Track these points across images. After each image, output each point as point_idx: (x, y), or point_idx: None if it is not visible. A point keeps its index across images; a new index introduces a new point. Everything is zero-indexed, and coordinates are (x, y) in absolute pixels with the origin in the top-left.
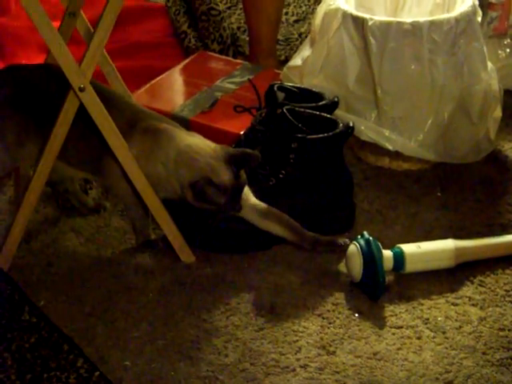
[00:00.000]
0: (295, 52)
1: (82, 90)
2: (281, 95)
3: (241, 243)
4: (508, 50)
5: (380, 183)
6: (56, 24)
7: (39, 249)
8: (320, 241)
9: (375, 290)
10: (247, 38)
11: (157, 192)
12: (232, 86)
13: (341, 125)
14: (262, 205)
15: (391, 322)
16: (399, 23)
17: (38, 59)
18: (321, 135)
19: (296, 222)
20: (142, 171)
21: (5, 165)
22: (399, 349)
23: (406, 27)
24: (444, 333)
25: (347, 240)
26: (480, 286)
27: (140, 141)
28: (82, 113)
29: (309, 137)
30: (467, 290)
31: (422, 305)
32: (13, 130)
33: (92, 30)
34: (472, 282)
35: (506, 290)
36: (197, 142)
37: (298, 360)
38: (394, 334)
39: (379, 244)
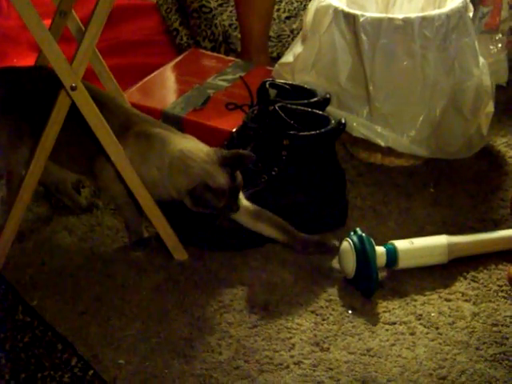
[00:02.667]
0: (287, 49)
1: (73, 88)
2: (273, 92)
3: (234, 241)
4: (500, 45)
5: (372, 179)
6: (47, 23)
7: (32, 248)
8: (311, 242)
9: (368, 287)
10: (239, 35)
11: (151, 195)
12: (224, 84)
13: (333, 121)
14: (253, 206)
15: (384, 318)
16: (391, 19)
17: (30, 58)
18: (313, 132)
19: (289, 219)
20: (138, 174)
21: None
22: (393, 345)
23: (398, 23)
24: (437, 328)
25: (337, 242)
26: (473, 281)
27: (134, 145)
28: (74, 114)
29: (301, 133)
30: (460, 286)
31: (416, 301)
32: (5, 134)
33: (83, 29)
34: (465, 278)
35: (498, 286)
36: (190, 146)
37: (291, 357)
38: (387, 330)
39: (372, 240)
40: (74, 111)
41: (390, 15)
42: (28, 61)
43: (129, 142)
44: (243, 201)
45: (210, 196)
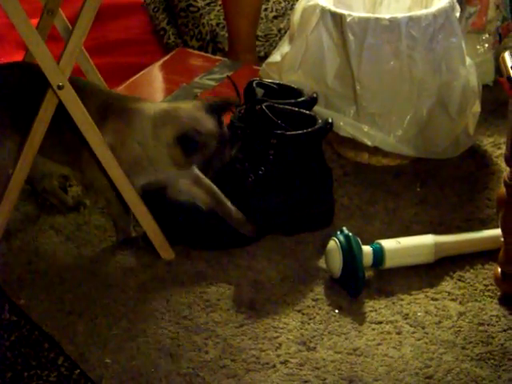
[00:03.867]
0: (274, 48)
1: (60, 88)
2: (260, 91)
3: (220, 240)
4: (486, 45)
5: (359, 179)
6: (34, 21)
7: (19, 247)
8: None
9: (355, 286)
10: (226, 35)
11: (137, 177)
12: (211, 83)
13: (320, 121)
14: (198, 173)
15: (371, 318)
16: (377, 19)
17: (17, 56)
18: (300, 131)
19: (275, 218)
20: (121, 158)
21: None
22: (379, 344)
23: (385, 23)
24: (424, 328)
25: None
26: (459, 280)
27: (112, 130)
28: (61, 108)
29: (288, 133)
30: (447, 285)
31: (402, 300)
32: None
33: (70, 28)
34: (451, 277)
35: (485, 285)
36: (172, 104)
37: (278, 356)
38: (373, 329)
39: (359, 240)
40: (60, 107)
41: (377, 15)
42: (15, 59)
43: (108, 127)
44: (194, 169)
45: (202, 139)
